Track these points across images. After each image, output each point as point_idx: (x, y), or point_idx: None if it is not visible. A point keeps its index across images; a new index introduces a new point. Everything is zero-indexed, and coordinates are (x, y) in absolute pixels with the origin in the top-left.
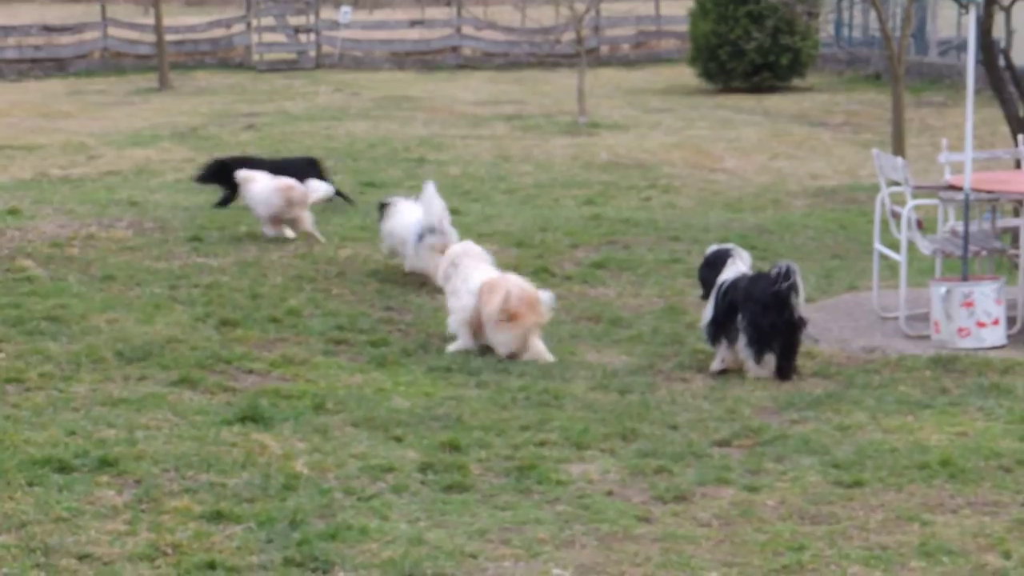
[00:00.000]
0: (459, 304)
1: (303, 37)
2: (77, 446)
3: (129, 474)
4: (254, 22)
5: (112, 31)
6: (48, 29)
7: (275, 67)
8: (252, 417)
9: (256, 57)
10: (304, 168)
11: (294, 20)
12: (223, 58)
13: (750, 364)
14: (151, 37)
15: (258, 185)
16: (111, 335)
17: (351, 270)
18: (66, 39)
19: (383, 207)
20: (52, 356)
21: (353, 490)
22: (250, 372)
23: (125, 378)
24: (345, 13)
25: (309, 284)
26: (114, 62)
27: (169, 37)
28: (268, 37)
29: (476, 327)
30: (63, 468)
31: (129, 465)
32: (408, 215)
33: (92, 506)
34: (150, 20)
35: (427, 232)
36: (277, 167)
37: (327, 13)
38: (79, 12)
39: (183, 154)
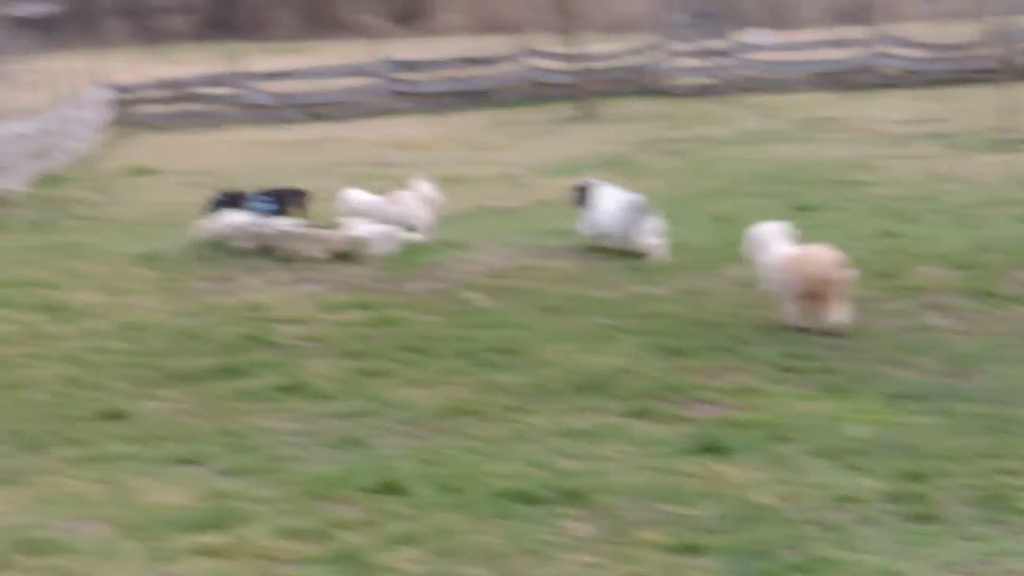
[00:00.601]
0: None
1: (720, 61)
2: (541, 478)
3: (594, 505)
4: (672, 48)
5: (533, 61)
6: (470, 61)
7: (694, 92)
8: (710, 447)
9: (674, 83)
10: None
11: (710, 44)
12: (642, 85)
13: None
14: (571, 66)
15: None
16: (562, 366)
17: None
18: (488, 71)
19: (581, 191)
20: (506, 388)
21: (818, 520)
22: (703, 401)
23: (580, 409)
24: (764, 36)
25: (753, 311)
26: (536, 92)
27: (589, 65)
28: (687, 62)
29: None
30: (529, 500)
31: (594, 496)
32: (611, 197)
33: (560, 537)
34: (568, 49)
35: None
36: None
37: (746, 36)
38: (499, 44)
39: (613, 182)
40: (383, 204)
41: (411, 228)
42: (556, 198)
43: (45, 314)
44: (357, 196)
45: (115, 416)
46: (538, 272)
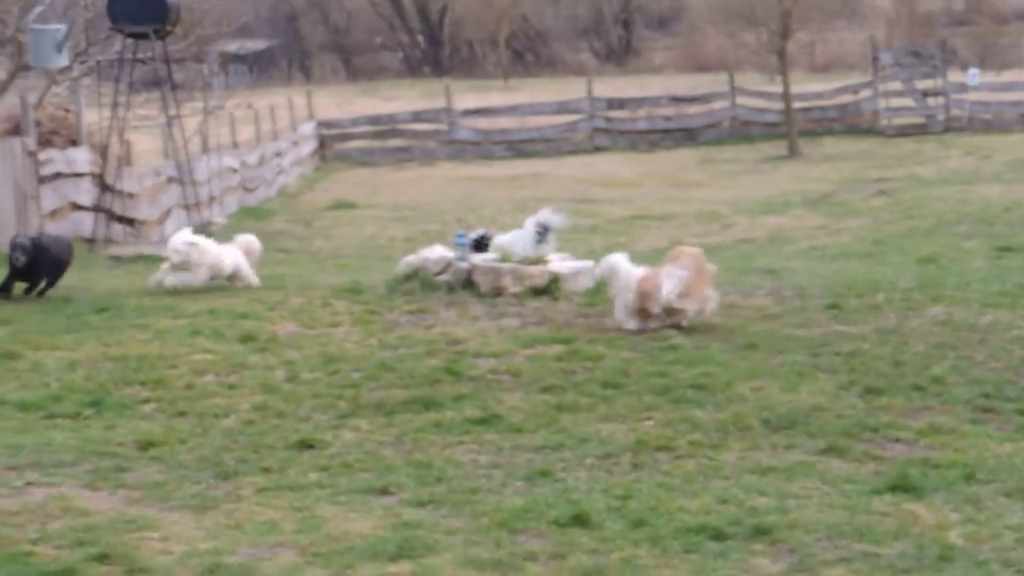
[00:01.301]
0: None
1: (931, 100)
2: (730, 514)
3: (783, 543)
4: (881, 87)
5: (740, 100)
6: (677, 100)
7: (903, 132)
8: (903, 487)
9: (884, 122)
10: None
11: (922, 84)
12: (850, 124)
13: None
14: (778, 105)
15: None
16: (757, 403)
17: (993, 337)
18: (695, 109)
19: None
20: (700, 424)
21: (1010, 562)
22: (897, 440)
23: (772, 446)
24: (973, 76)
25: (952, 351)
26: (742, 131)
27: (796, 104)
28: (896, 102)
29: None
30: (717, 536)
31: (783, 534)
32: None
33: (748, 574)
34: (776, 88)
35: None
36: None
37: (955, 76)
38: (707, 82)
39: (816, 221)
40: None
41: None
42: (757, 236)
43: (245, 344)
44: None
45: (309, 445)
46: (737, 310)
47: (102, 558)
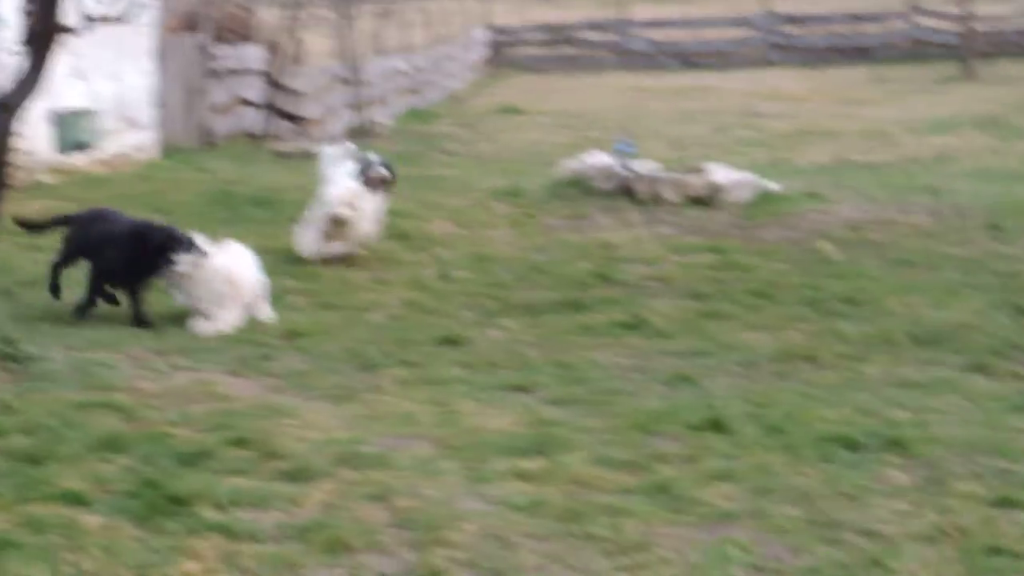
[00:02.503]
0: None
1: None
2: (867, 425)
3: (917, 456)
4: None
5: (918, 19)
6: (854, 17)
7: None
8: None
9: None
10: None
11: None
12: None
13: None
14: (957, 26)
15: None
16: (905, 318)
17: None
18: (871, 27)
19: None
20: (846, 336)
21: None
22: None
23: (917, 361)
24: None
25: None
26: (918, 50)
27: (976, 26)
28: None
29: None
30: (852, 446)
31: (918, 447)
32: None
33: (879, 484)
34: (956, 9)
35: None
36: None
37: None
38: (885, 1)
39: (984, 142)
40: None
41: None
42: (923, 155)
43: (400, 242)
44: None
45: (453, 342)
46: (894, 226)
47: (239, 442)
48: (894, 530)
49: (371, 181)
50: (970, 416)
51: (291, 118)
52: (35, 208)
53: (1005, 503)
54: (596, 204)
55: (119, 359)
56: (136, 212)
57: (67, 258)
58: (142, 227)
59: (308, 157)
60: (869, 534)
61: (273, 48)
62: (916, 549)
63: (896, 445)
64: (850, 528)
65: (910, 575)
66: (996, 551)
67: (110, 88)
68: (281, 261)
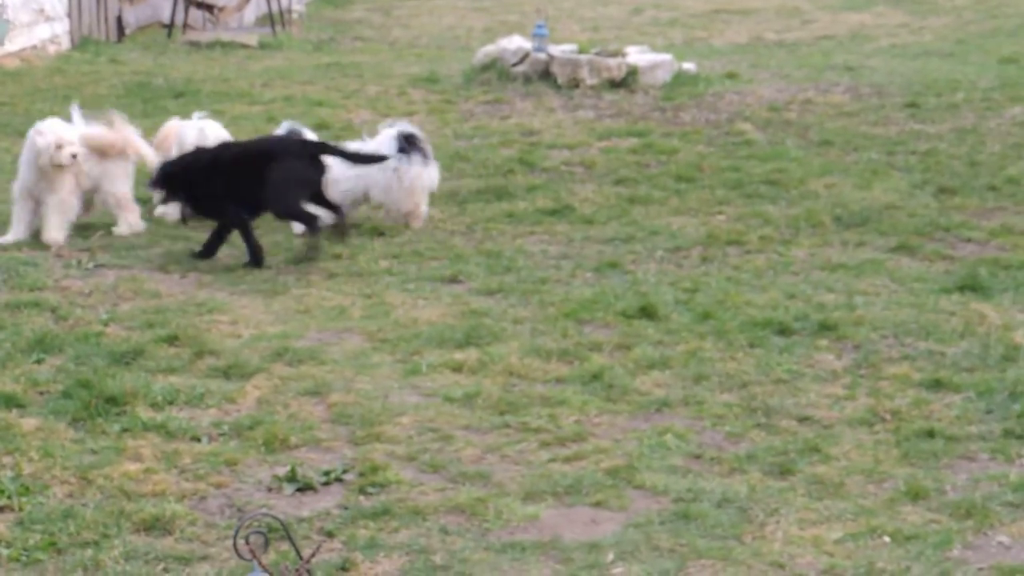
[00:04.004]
0: None
1: None
2: (797, 309)
3: (848, 339)
4: None
5: None
6: None
7: None
8: (971, 286)
9: None
10: None
11: None
12: None
13: None
14: None
15: None
16: (829, 200)
17: None
18: None
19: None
20: (771, 219)
21: None
22: (968, 241)
23: (843, 243)
24: None
25: None
26: None
27: None
28: None
29: None
30: (783, 331)
31: (848, 330)
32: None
33: (811, 369)
34: None
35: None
36: None
37: None
38: None
39: (898, 19)
40: None
41: None
42: (838, 33)
43: (319, 132)
44: None
45: (379, 233)
46: (813, 106)
47: (171, 339)
48: (829, 415)
49: None
50: (898, 298)
51: (204, 7)
52: None
53: (937, 385)
54: (515, 89)
55: (44, 258)
56: (53, 106)
57: None
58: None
59: (222, 47)
60: (805, 419)
61: None
62: (852, 433)
63: (826, 328)
64: (786, 414)
65: (847, 460)
66: (930, 434)
67: None
68: None
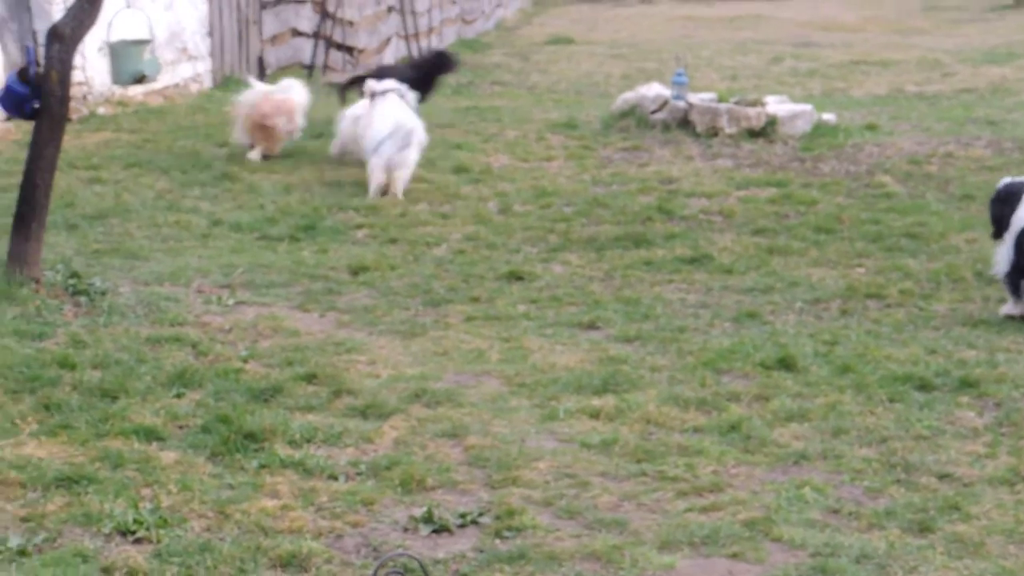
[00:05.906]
0: None
1: None
2: (938, 365)
3: (989, 396)
4: None
5: None
6: None
7: None
8: None
9: None
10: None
11: None
12: None
13: None
14: None
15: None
16: (970, 255)
17: None
18: None
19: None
20: (911, 273)
21: None
22: None
23: (984, 299)
24: None
25: None
26: None
27: None
28: None
29: None
30: (923, 386)
31: (990, 387)
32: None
33: (952, 426)
34: None
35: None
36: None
37: None
38: None
39: None
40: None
41: None
42: (979, 86)
43: (458, 175)
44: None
45: (518, 277)
46: (954, 160)
47: (310, 378)
48: (970, 472)
49: None
50: None
51: (344, 48)
52: (94, 140)
53: None
54: (653, 136)
55: (185, 293)
56: (193, 143)
57: None
58: None
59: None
60: (945, 476)
61: None
62: (993, 492)
63: (967, 385)
64: (925, 471)
65: (988, 519)
66: None
67: (164, 18)
68: (343, 194)
